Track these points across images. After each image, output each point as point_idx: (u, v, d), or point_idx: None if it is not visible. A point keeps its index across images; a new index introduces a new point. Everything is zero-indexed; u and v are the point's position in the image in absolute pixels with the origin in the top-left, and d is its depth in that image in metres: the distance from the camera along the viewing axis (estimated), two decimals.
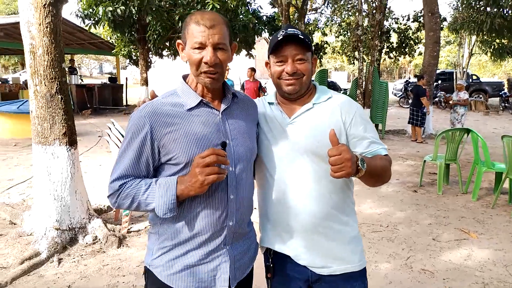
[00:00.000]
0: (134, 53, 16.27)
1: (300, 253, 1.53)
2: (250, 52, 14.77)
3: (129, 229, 4.05)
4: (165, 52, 15.40)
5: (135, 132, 1.32)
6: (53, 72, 3.54)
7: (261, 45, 31.23)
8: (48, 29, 3.47)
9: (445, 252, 3.73)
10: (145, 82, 14.50)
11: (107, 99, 16.90)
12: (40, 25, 3.44)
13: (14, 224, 4.15)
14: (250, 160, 1.47)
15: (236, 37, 13.13)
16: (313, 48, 1.58)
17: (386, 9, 17.92)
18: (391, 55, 20.79)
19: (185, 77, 1.47)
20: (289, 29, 1.45)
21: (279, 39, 1.45)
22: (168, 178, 1.29)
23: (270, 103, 1.62)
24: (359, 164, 1.30)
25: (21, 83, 16.99)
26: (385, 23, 19.15)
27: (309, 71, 1.50)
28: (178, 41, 1.40)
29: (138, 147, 1.31)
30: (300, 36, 1.44)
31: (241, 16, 12.72)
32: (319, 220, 1.50)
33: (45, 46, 3.48)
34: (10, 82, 18.45)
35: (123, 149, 1.34)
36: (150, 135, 1.31)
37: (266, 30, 15.09)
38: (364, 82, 10.94)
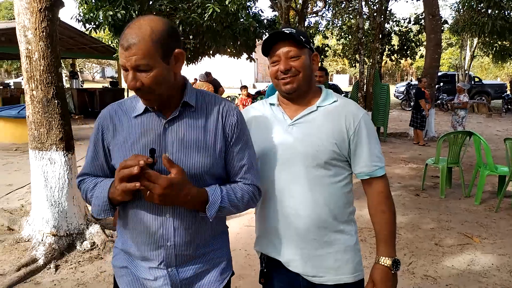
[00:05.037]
0: None
1: (292, 260, 1.48)
2: (251, 55, 14.77)
3: None
4: None
5: (93, 133, 1.36)
6: (50, 77, 3.52)
7: None
8: (44, 33, 3.45)
9: (448, 258, 3.67)
10: None
11: (108, 103, 16.77)
12: (36, 29, 3.42)
13: (12, 230, 4.11)
14: (197, 176, 1.25)
15: (237, 41, 13.14)
16: (314, 50, 1.54)
17: (387, 11, 17.92)
18: (393, 57, 20.78)
19: None
20: (281, 29, 1.43)
21: (265, 39, 1.44)
22: (108, 180, 1.28)
23: (271, 104, 1.57)
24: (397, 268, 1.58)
25: (23, 87, 16.96)
26: (386, 25, 19.14)
27: (305, 67, 1.44)
28: None
29: (94, 148, 1.34)
30: (286, 32, 1.40)
31: (241, 20, 12.72)
32: (313, 227, 1.45)
33: (41, 50, 3.45)
34: (12, 87, 18.46)
35: (88, 148, 1.38)
36: (101, 138, 1.33)
37: (267, 34, 15.10)
38: (365, 85, 10.90)
